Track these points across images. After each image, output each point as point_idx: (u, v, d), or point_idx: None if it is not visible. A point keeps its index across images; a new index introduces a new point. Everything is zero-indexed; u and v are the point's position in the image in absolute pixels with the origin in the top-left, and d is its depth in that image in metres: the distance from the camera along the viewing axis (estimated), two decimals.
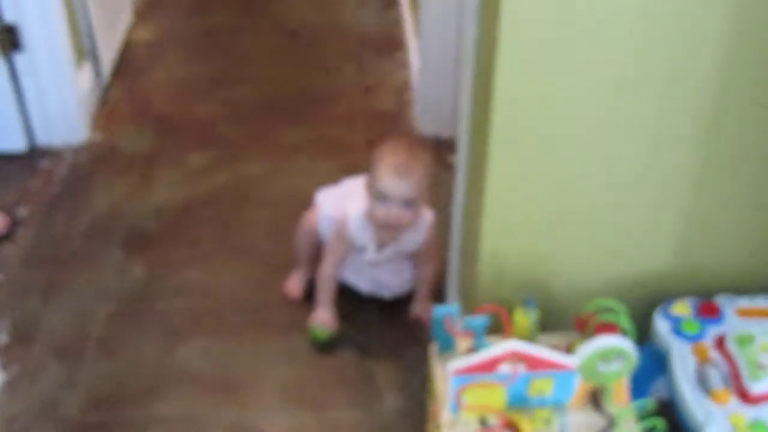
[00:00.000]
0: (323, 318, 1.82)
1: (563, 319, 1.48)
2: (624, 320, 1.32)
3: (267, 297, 1.95)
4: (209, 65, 2.83)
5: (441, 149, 2.29)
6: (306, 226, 1.90)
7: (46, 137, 2.40)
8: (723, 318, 1.44)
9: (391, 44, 2.94)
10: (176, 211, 2.20)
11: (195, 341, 1.84)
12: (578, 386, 1.32)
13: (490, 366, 1.28)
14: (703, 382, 1.35)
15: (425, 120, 2.47)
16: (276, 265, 2.02)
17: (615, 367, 1.29)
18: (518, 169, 1.36)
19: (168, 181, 2.31)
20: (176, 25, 3.08)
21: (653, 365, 1.43)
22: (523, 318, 1.39)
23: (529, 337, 1.36)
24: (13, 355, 1.79)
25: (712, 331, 1.42)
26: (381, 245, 1.79)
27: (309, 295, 1.92)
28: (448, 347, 1.40)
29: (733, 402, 1.32)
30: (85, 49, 2.51)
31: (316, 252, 1.90)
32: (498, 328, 1.40)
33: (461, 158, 1.63)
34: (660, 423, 1.30)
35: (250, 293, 1.96)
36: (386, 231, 1.74)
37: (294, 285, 1.95)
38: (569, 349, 1.35)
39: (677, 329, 1.43)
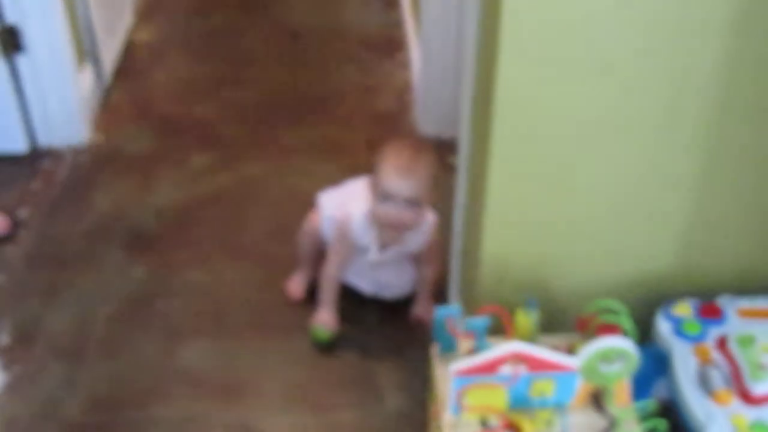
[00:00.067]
0: (325, 319, 1.83)
1: (564, 320, 1.48)
2: (625, 321, 1.32)
3: (268, 297, 1.95)
4: (210, 66, 2.83)
5: (442, 150, 2.28)
6: (308, 227, 1.90)
7: (47, 138, 2.40)
8: (724, 319, 1.44)
9: (392, 45, 2.94)
10: (177, 212, 2.20)
11: (196, 342, 1.84)
12: (579, 387, 1.32)
13: (491, 367, 1.27)
14: (704, 383, 1.35)
15: (426, 121, 2.47)
16: (277, 265, 2.02)
17: (616, 368, 1.29)
18: (520, 170, 1.36)
19: (169, 181, 2.31)
20: (177, 26, 3.08)
21: (654, 366, 1.43)
22: (525, 319, 1.39)
23: (531, 338, 1.36)
24: (14, 356, 1.79)
25: (714, 332, 1.42)
26: (384, 246, 1.79)
27: (310, 296, 1.92)
28: (449, 348, 1.40)
29: (734, 403, 1.32)
30: (86, 51, 2.51)
31: (318, 253, 1.90)
32: (499, 329, 1.40)
33: (462, 159, 1.63)
34: (661, 424, 1.30)
35: (252, 294, 1.97)
36: (389, 231, 1.75)
37: (295, 286, 1.95)
38: (570, 350, 1.35)
39: (678, 330, 1.43)
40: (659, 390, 1.43)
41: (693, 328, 1.42)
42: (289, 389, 1.75)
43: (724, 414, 1.30)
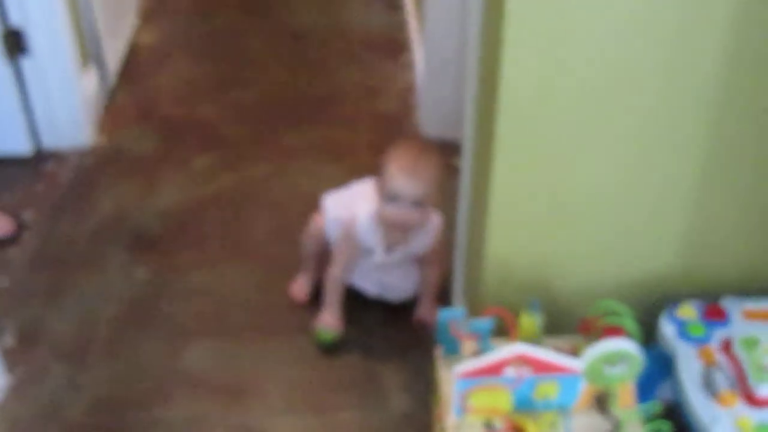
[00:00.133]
0: (329, 320, 1.83)
1: (568, 322, 1.48)
2: (629, 323, 1.32)
3: (272, 299, 1.95)
4: (213, 67, 2.84)
5: (445, 152, 2.28)
6: (313, 229, 1.90)
7: (51, 141, 2.40)
8: (729, 321, 1.44)
9: (395, 46, 2.94)
10: (180, 213, 2.21)
11: (198, 343, 1.85)
12: (583, 389, 1.32)
13: (495, 369, 1.27)
14: (709, 385, 1.34)
15: (429, 122, 2.47)
16: (281, 266, 2.02)
17: (620, 370, 1.28)
18: (523, 171, 1.36)
19: (172, 183, 2.31)
20: (180, 27, 3.09)
21: (659, 368, 1.42)
22: (529, 321, 1.39)
23: (535, 340, 1.36)
24: (18, 358, 1.79)
25: (718, 334, 1.42)
26: (389, 247, 1.79)
27: (314, 297, 1.92)
28: (453, 350, 1.40)
29: (739, 405, 1.32)
30: (90, 53, 2.51)
31: (323, 255, 1.90)
32: (503, 331, 1.39)
33: (466, 161, 1.63)
34: (666, 426, 1.30)
35: (254, 295, 1.97)
36: (395, 232, 1.75)
37: (300, 288, 1.95)
38: (574, 352, 1.35)
39: (683, 332, 1.42)
40: (663, 392, 1.42)
41: (697, 330, 1.42)
42: (292, 390, 1.75)
43: (728, 416, 1.30)
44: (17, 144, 2.36)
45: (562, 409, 1.33)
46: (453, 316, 1.38)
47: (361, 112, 2.61)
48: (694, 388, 1.35)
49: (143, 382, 1.76)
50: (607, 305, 1.36)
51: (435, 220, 1.79)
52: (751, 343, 1.37)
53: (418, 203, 1.67)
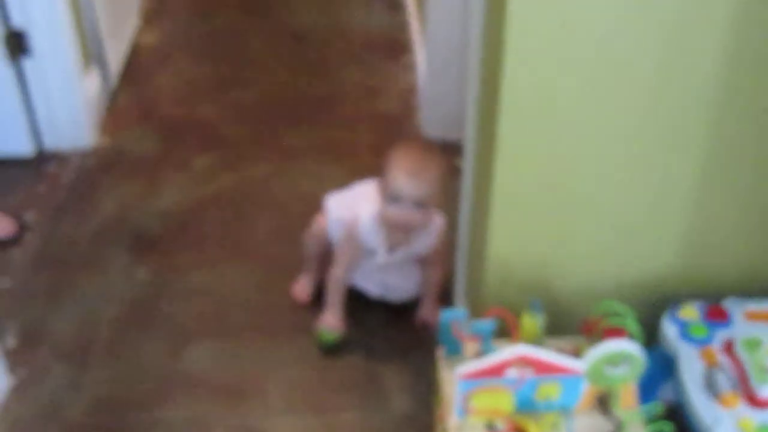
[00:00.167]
0: (331, 321, 1.83)
1: (570, 323, 1.48)
2: (631, 324, 1.32)
3: (273, 299, 1.95)
4: (214, 68, 2.84)
5: (447, 153, 2.28)
6: (315, 230, 1.90)
7: (53, 142, 2.41)
8: (731, 322, 1.44)
9: (397, 47, 2.94)
10: (182, 214, 2.21)
11: (201, 344, 1.84)
12: (585, 390, 1.32)
13: (497, 370, 1.27)
14: (711, 386, 1.34)
15: (431, 123, 2.47)
16: (282, 267, 2.02)
17: (622, 371, 1.28)
18: (525, 172, 1.36)
19: (173, 184, 2.31)
20: (182, 28, 3.09)
21: (661, 369, 1.42)
22: (530, 322, 1.39)
23: (536, 341, 1.36)
24: (20, 358, 1.79)
25: (720, 335, 1.42)
26: (392, 248, 1.79)
27: (316, 298, 1.92)
28: (455, 351, 1.40)
29: (741, 406, 1.31)
30: (92, 54, 2.52)
31: (325, 256, 1.90)
32: (505, 332, 1.39)
33: (468, 162, 1.62)
34: (668, 427, 1.29)
35: (256, 295, 1.97)
36: (397, 233, 1.75)
37: (301, 289, 1.95)
38: (576, 353, 1.35)
39: (685, 333, 1.42)
40: (665, 393, 1.42)
41: (699, 331, 1.42)
42: (293, 391, 1.75)
43: (730, 417, 1.30)
44: (19, 145, 2.37)
45: (564, 410, 1.32)
46: (455, 317, 1.38)
47: (362, 113, 2.61)
48: (696, 389, 1.34)
49: (144, 383, 1.76)
50: (609, 306, 1.36)
51: (437, 221, 1.79)
52: (753, 344, 1.37)
53: (421, 204, 1.67)
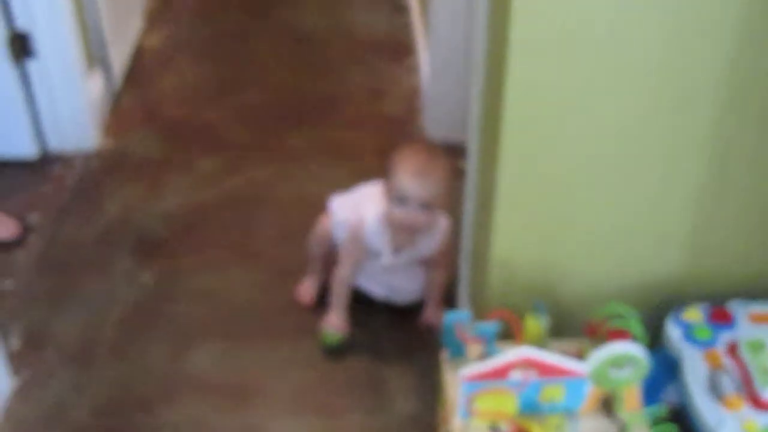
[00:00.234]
0: (335, 322, 1.83)
1: (573, 325, 1.48)
2: (635, 326, 1.32)
3: (277, 302, 1.95)
4: (218, 70, 2.84)
5: (450, 155, 2.28)
6: (320, 232, 1.90)
7: (57, 144, 2.41)
8: (735, 324, 1.44)
9: (401, 49, 2.94)
10: (185, 216, 2.21)
11: (205, 346, 1.85)
12: (589, 393, 1.32)
13: (501, 372, 1.27)
14: (715, 388, 1.34)
15: (434, 125, 2.47)
16: (285, 269, 2.02)
17: (626, 373, 1.28)
18: (529, 174, 1.36)
19: (178, 186, 2.31)
20: (186, 30, 3.09)
21: (665, 371, 1.42)
22: (534, 324, 1.39)
23: (540, 343, 1.36)
24: (24, 361, 1.80)
25: (724, 337, 1.42)
26: (397, 249, 1.79)
27: (320, 300, 1.92)
28: (458, 353, 1.40)
29: (745, 408, 1.31)
30: (96, 56, 2.52)
31: (330, 257, 1.90)
32: (509, 334, 1.39)
33: (471, 164, 1.63)
34: (672, 429, 1.29)
35: (260, 298, 1.97)
36: (403, 235, 1.75)
37: (306, 291, 1.95)
38: (580, 355, 1.35)
39: (689, 335, 1.42)
40: (669, 395, 1.42)
41: (703, 333, 1.42)
42: (297, 393, 1.75)
43: (734, 419, 1.30)
44: (23, 147, 2.37)
45: (568, 413, 1.32)
46: (459, 319, 1.38)
47: (365, 115, 2.61)
48: (700, 392, 1.34)
49: (148, 385, 1.76)
50: (613, 308, 1.36)
51: (442, 223, 1.80)
52: (757, 347, 1.37)
53: (427, 205, 1.67)
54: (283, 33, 3.05)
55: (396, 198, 1.67)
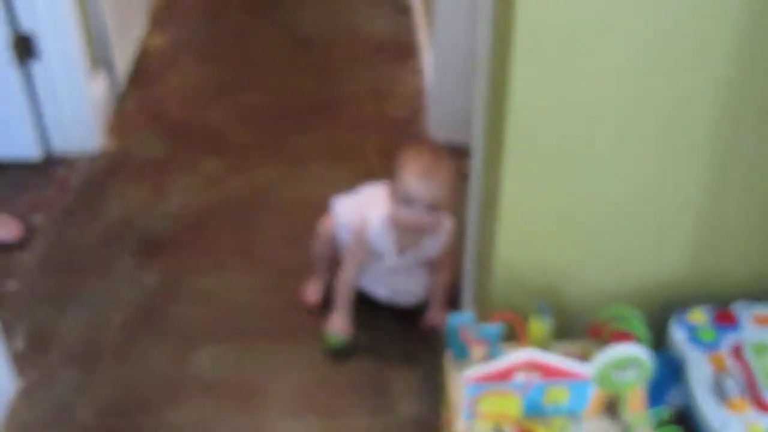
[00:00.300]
0: (338, 324, 1.83)
1: (577, 327, 1.47)
2: (639, 328, 1.32)
3: (280, 303, 1.95)
4: (222, 71, 2.84)
5: (454, 156, 2.28)
6: (323, 233, 1.90)
7: (61, 145, 2.41)
8: (739, 326, 1.43)
9: (404, 51, 2.94)
10: (189, 218, 2.21)
11: (208, 348, 1.85)
12: (593, 395, 1.31)
13: (505, 374, 1.27)
14: (719, 391, 1.34)
15: (438, 127, 2.47)
16: (289, 271, 2.02)
17: (630, 375, 1.28)
18: (533, 176, 1.36)
19: (181, 188, 2.31)
20: (190, 31, 3.09)
21: (669, 373, 1.42)
22: (538, 326, 1.39)
23: (544, 345, 1.36)
24: (28, 362, 1.80)
25: (729, 339, 1.41)
26: (401, 251, 1.79)
27: (324, 301, 1.92)
28: (462, 355, 1.40)
29: (749, 411, 1.31)
30: (99, 57, 2.52)
31: (334, 259, 1.90)
32: (512, 335, 1.39)
33: (475, 166, 1.62)
34: (676, 431, 1.29)
35: (263, 299, 1.97)
36: (407, 236, 1.75)
37: (312, 292, 1.95)
38: (584, 357, 1.34)
39: (693, 337, 1.42)
40: (673, 397, 1.42)
41: (708, 335, 1.42)
42: (300, 395, 1.75)
43: (738, 422, 1.29)
44: (27, 148, 2.37)
45: (572, 415, 1.32)
46: (462, 320, 1.38)
47: (368, 116, 2.61)
48: (704, 394, 1.34)
49: (151, 386, 1.76)
50: (617, 310, 1.35)
51: (446, 224, 1.80)
52: (762, 349, 1.37)
53: (432, 206, 1.67)
54: (288, 34, 3.05)
55: (402, 199, 1.68)
